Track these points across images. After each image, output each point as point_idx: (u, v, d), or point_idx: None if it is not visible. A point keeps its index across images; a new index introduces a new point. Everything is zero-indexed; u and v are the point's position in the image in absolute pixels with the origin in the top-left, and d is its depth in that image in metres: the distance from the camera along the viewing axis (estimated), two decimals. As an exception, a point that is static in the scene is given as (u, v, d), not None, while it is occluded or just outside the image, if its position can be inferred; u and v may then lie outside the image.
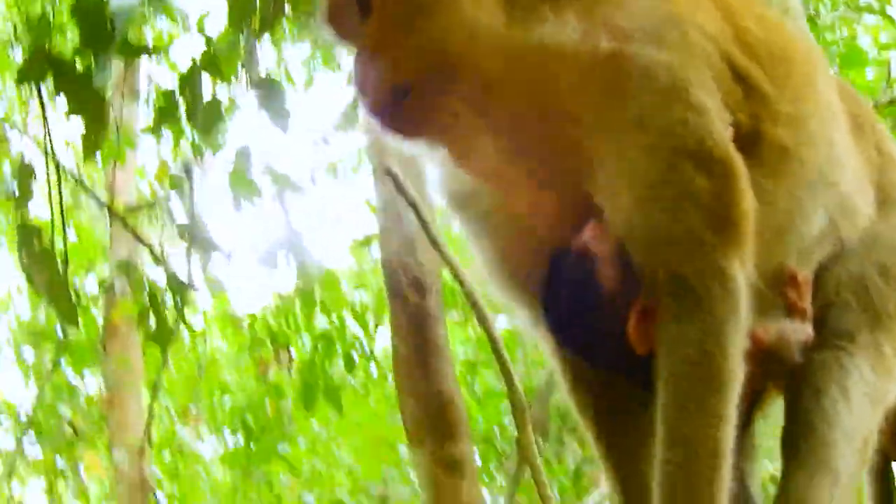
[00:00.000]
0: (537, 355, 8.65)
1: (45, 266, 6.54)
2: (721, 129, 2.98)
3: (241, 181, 8.23)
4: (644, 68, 2.95)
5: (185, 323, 8.66)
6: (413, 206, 6.50)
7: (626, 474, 3.32)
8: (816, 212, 3.31)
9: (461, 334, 12.95)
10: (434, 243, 6.53)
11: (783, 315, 3.31)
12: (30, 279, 6.73)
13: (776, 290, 3.28)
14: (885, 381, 3.39)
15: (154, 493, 10.28)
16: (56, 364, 9.82)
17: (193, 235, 7.86)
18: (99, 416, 12.00)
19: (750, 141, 3.08)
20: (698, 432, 2.89)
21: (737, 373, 2.93)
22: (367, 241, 12.20)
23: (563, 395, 3.59)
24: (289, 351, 11.22)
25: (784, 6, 4.56)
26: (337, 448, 13.39)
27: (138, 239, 8.53)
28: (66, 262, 6.97)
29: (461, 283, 6.28)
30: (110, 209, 8.28)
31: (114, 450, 11.03)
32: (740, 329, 2.94)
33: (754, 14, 3.34)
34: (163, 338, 8.20)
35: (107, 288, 10.48)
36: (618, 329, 3.05)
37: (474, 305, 6.22)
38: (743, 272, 2.96)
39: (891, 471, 4.03)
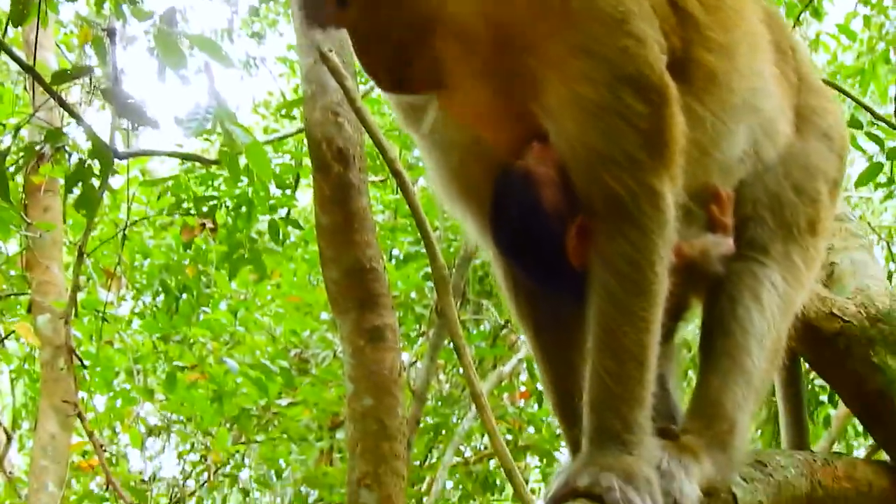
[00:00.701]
0: (456, 222, 8.86)
1: None
2: (658, 57, 3.18)
3: (168, 47, 8.26)
4: (609, 6, 3.15)
5: (109, 190, 8.68)
6: (336, 74, 6.45)
7: (558, 372, 3.58)
8: (740, 134, 3.55)
9: (382, 197, 13.10)
10: (357, 112, 6.58)
11: (707, 229, 3.55)
12: None
13: (701, 206, 3.52)
14: (795, 290, 3.65)
15: (75, 355, 10.33)
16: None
17: (117, 100, 7.75)
18: (20, 279, 12.04)
19: (682, 65, 3.30)
20: (627, 338, 3.10)
21: (663, 284, 3.16)
22: (288, 106, 12.32)
23: (500, 288, 3.85)
24: (213, 218, 11.35)
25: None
26: (258, 313, 13.46)
27: (62, 104, 8.47)
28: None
29: (383, 151, 6.30)
30: (32, 71, 8.15)
31: (37, 317, 11.15)
32: (667, 244, 3.16)
33: None
34: (89, 205, 8.27)
35: (28, 150, 10.48)
36: (557, 245, 3.26)
37: (396, 175, 6.24)
38: (672, 191, 3.18)
39: (800, 368, 4.37)
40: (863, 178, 8.97)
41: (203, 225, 11.56)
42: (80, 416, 10.06)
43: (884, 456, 4.24)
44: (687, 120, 3.25)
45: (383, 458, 6.87)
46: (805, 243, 3.69)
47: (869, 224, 12.34)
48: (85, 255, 9.71)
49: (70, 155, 8.47)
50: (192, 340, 12.88)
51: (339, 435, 12.41)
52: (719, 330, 3.54)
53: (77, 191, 8.11)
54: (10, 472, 13.52)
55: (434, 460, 12.82)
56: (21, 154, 9.14)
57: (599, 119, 3.12)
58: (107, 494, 12.77)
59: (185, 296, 13.33)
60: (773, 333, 3.57)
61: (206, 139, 11.80)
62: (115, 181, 11.05)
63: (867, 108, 8.98)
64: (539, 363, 3.71)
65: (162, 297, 13.63)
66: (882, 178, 9.56)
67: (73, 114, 8.39)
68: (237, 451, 13.52)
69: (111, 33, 8.69)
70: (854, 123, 9.04)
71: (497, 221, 3.42)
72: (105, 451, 12.14)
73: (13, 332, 11.69)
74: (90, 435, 10.02)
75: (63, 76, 7.91)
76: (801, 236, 3.68)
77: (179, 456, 14.04)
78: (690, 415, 3.50)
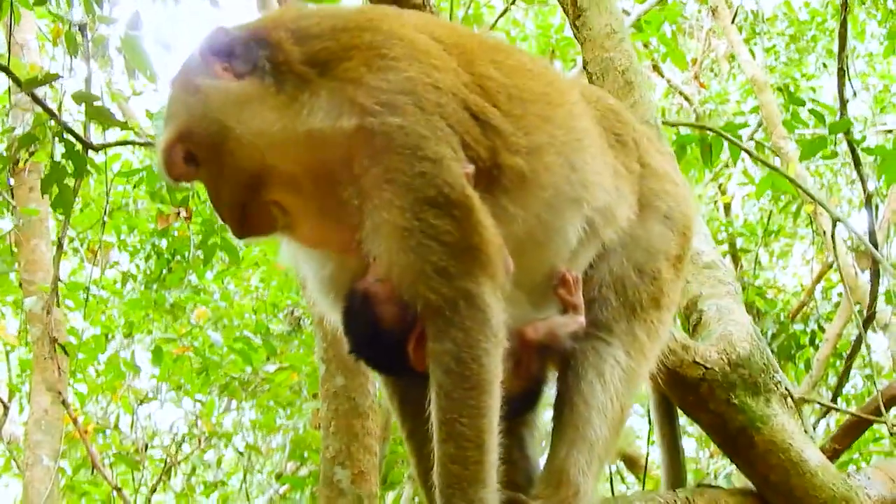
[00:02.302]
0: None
1: None
2: (457, 173, 3.49)
3: (133, 52, 8.68)
4: (384, 134, 3.45)
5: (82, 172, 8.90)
6: None
7: (420, 448, 3.79)
8: (569, 225, 3.82)
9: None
10: None
11: (559, 310, 3.86)
12: None
13: (550, 290, 3.84)
14: (638, 363, 3.95)
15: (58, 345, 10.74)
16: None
17: (87, 103, 8.07)
18: (9, 256, 12.42)
19: (492, 170, 3.60)
20: (463, 426, 3.36)
21: (492, 373, 3.42)
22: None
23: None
24: (187, 206, 11.66)
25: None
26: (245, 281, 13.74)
27: (37, 102, 8.79)
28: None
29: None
30: (8, 70, 8.49)
31: (25, 299, 11.59)
32: (492, 337, 3.43)
33: (497, 63, 3.82)
34: (65, 204, 8.71)
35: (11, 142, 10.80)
36: (401, 351, 3.57)
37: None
38: (493, 290, 3.47)
39: (675, 412, 4.70)
40: (806, 153, 9.27)
41: (178, 213, 11.95)
42: (64, 403, 10.48)
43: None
44: (507, 219, 3.58)
45: (355, 436, 7.26)
46: (649, 318, 3.99)
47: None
48: (65, 245, 10.10)
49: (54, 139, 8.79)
50: (181, 308, 13.21)
51: None
52: (566, 404, 3.85)
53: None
54: (9, 442, 14.00)
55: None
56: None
57: (409, 240, 3.41)
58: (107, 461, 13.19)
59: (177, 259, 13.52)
60: (615, 406, 3.86)
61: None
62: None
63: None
64: (405, 440, 4.04)
65: (153, 261, 13.94)
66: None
67: (48, 111, 8.73)
68: (227, 414, 13.79)
69: (82, 28, 9.09)
70: (796, 101, 9.49)
71: (347, 334, 3.74)
72: (98, 423, 12.70)
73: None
74: (74, 421, 10.42)
75: (34, 81, 8.28)
76: (644, 312, 3.98)
77: (171, 426, 14.40)
78: (542, 482, 3.80)
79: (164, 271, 13.43)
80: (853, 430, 5.23)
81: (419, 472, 3.92)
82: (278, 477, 13.35)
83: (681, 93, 17.61)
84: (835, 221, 7.35)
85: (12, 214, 11.62)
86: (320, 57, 3.62)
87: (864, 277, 13.06)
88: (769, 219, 15.19)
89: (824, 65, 16.68)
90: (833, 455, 4.96)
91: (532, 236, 3.75)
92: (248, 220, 3.62)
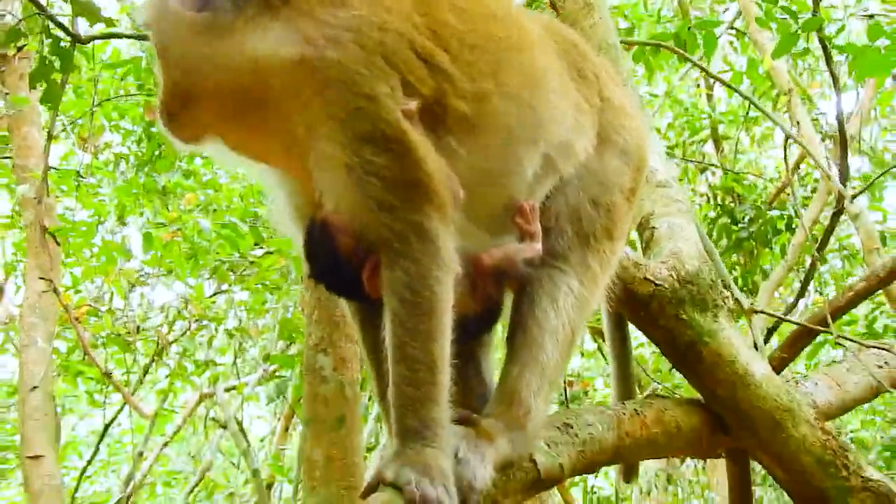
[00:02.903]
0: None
1: None
2: (393, 110, 3.59)
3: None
4: (324, 69, 3.57)
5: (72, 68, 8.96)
6: None
7: (380, 370, 3.90)
8: (525, 161, 3.94)
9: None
10: None
11: (518, 238, 3.98)
12: None
13: (509, 220, 3.97)
14: (590, 291, 4.09)
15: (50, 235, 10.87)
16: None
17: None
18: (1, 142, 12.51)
19: (437, 111, 3.72)
20: (415, 350, 3.52)
21: (444, 301, 3.57)
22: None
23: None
24: None
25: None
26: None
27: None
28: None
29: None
30: None
31: (18, 186, 11.69)
32: (443, 266, 3.57)
33: (457, 9, 3.90)
34: (53, 99, 8.79)
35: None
36: (356, 279, 3.74)
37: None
38: (441, 220, 3.60)
39: (627, 329, 4.87)
40: (779, 50, 9.31)
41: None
42: (55, 291, 10.63)
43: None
44: (455, 155, 3.71)
45: (336, 325, 7.43)
46: (602, 248, 4.13)
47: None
48: (54, 138, 10.20)
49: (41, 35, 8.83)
50: (172, 192, 13.29)
51: None
52: (520, 328, 3.99)
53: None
54: (6, 322, 14.17)
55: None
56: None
57: (351, 175, 3.54)
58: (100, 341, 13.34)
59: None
60: (566, 330, 4.00)
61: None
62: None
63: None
64: (366, 358, 4.19)
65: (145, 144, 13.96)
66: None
67: (39, 6, 8.77)
68: (217, 298, 13.92)
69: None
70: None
71: (307, 260, 3.89)
72: (91, 304, 12.84)
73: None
74: (65, 308, 10.56)
75: (24, -24, 8.33)
76: (598, 243, 4.12)
77: (162, 308, 14.59)
78: (494, 401, 3.94)
79: (156, 153, 13.49)
80: (801, 340, 5.36)
81: (378, 389, 4.08)
82: (266, 358, 13.47)
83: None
84: (787, 138, 7.44)
85: (4, 102, 11.64)
86: None
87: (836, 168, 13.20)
88: (749, 106, 15.17)
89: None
90: (781, 363, 5.10)
91: (485, 172, 3.87)
92: (180, 125, 3.78)
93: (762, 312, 5.22)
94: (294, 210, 3.98)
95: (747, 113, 15.88)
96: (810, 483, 4.70)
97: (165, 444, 16.57)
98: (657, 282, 4.67)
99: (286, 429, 16.79)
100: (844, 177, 8.28)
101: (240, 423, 14.92)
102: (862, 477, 4.72)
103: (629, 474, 4.88)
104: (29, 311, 11.60)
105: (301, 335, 12.32)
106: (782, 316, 5.63)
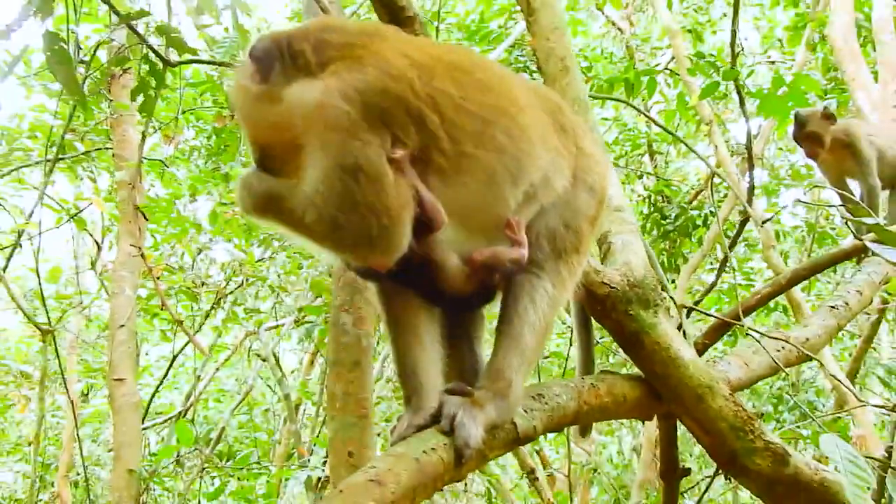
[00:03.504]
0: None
1: (62, 65, 6.84)
2: (376, 154, 3.60)
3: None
4: (333, 115, 3.59)
5: (163, 86, 9.02)
6: (324, 11, 6.55)
7: (403, 351, 4.06)
8: (508, 195, 3.97)
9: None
10: None
11: (509, 244, 4.01)
12: (54, 74, 7.01)
13: (495, 230, 4.01)
14: (560, 292, 4.12)
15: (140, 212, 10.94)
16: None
17: (167, 35, 8.11)
18: (106, 136, 12.56)
19: (423, 159, 3.74)
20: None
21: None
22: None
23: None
24: None
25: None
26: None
27: (131, 29, 8.80)
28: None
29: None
30: (112, 7, 8.51)
31: (116, 172, 11.77)
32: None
33: (457, 80, 3.91)
34: (149, 109, 8.80)
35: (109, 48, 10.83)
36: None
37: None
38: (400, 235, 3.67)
39: (590, 320, 4.88)
40: (704, 94, 9.40)
41: (232, 116, 12.03)
42: (142, 254, 10.66)
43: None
44: (439, 192, 3.76)
45: (357, 290, 7.49)
46: (570, 260, 4.17)
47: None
48: (147, 136, 10.25)
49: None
50: (233, 177, 13.30)
51: None
52: (506, 319, 4.03)
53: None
54: (101, 273, 14.22)
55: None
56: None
57: (326, 190, 3.59)
58: (173, 292, 13.42)
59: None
60: (542, 323, 4.04)
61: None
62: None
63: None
64: (391, 345, 4.15)
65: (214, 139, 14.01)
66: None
67: (139, 35, 8.77)
68: (263, 261, 13.95)
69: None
70: (699, 55, 9.58)
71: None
72: (167, 264, 12.87)
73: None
74: (149, 268, 10.60)
75: (129, 16, 8.31)
76: (567, 256, 4.16)
77: (222, 267, 14.62)
78: (484, 376, 3.99)
79: (222, 147, 13.55)
80: (719, 330, 5.40)
81: (400, 367, 4.12)
82: (300, 309, 13.52)
83: (614, 24, 17.54)
84: (712, 171, 7.45)
85: (109, 106, 11.73)
86: (324, 60, 3.77)
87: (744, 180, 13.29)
88: (676, 128, 15.26)
89: (724, 14, 16.61)
90: (703, 348, 5.13)
91: (470, 202, 3.92)
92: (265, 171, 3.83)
93: (692, 308, 5.24)
94: None
95: (674, 133, 15.97)
96: (724, 443, 4.73)
97: (217, 370, 16.68)
98: (612, 285, 4.66)
99: (311, 362, 16.85)
100: (751, 193, 8.29)
101: (276, 357, 14.99)
102: (764, 440, 4.75)
103: (584, 431, 4.93)
104: (120, 267, 11.74)
105: (326, 291, 12.41)
106: (705, 311, 5.63)
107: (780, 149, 17.37)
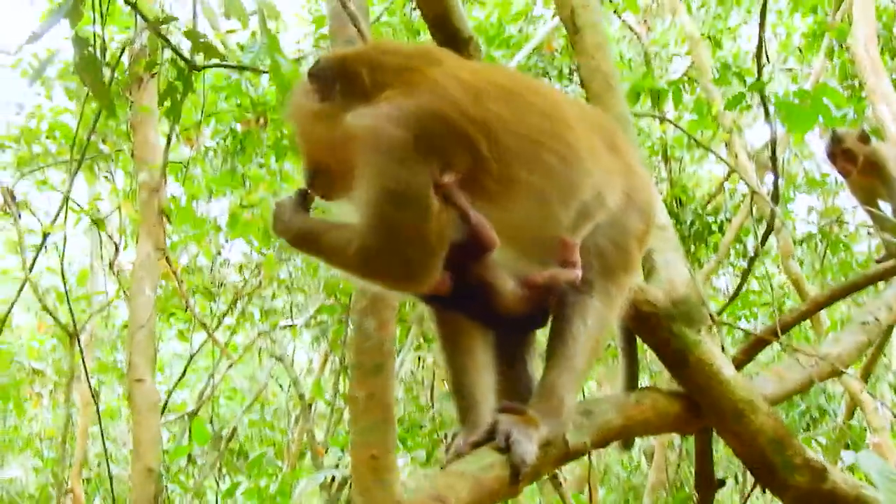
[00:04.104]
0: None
1: (91, 69, 6.90)
2: (423, 182, 3.68)
3: (231, 4, 8.79)
4: (385, 140, 3.67)
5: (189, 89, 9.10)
6: (353, 18, 6.79)
7: (457, 369, 4.19)
8: (561, 211, 4.04)
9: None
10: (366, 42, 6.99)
11: (561, 263, 4.07)
12: (82, 80, 7.13)
13: (549, 251, 4.06)
14: (610, 311, 4.20)
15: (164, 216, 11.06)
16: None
17: (194, 40, 8.21)
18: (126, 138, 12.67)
19: (473, 183, 3.80)
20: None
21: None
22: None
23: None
24: (264, 115, 11.85)
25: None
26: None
27: (158, 34, 8.93)
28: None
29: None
30: (135, 7, 8.60)
31: (140, 173, 11.88)
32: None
33: (509, 103, 3.97)
34: (175, 114, 8.89)
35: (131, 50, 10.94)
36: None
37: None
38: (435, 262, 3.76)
39: (635, 337, 4.94)
40: (730, 105, 9.49)
41: (257, 119, 12.14)
42: (167, 258, 10.76)
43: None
44: (489, 215, 3.83)
45: (379, 296, 7.59)
46: (619, 280, 4.24)
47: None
48: (173, 138, 10.34)
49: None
50: (250, 178, 13.44)
51: None
52: (558, 339, 4.10)
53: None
54: (118, 273, 14.29)
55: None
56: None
57: (373, 215, 3.69)
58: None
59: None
60: (592, 341, 4.12)
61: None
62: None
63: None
64: (446, 366, 4.27)
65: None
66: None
67: (166, 41, 8.87)
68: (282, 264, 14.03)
69: (190, -25, 9.11)
70: (725, 67, 9.67)
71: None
72: (186, 265, 12.96)
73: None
74: (173, 270, 10.68)
75: (157, 21, 8.42)
76: (616, 275, 4.23)
77: (239, 269, 14.69)
78: (536, 394, 4.06)
79: (239, 149, 13.64)
80: (756, 347, 5.48)
81: (454, 386, 4.25)
82: (319, 310, 13.62)
83: (631, 29, 17.57)
84: (729, 174, 7.55)
85: (130, 109, 11.80)
86: (380, 84, 3.87)
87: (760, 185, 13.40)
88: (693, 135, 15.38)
89: (744, 20, 16.67)
90: (739, 364, 5.21)
91: (521, 224, 3.99)
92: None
93: (729, 325, 5.32)
94: None
95: (690, 141, 16.07)
96: (764, 459, 4.81)
97: (230, 367, 16.72)
98: (655, 303, 4.72)
99: (324, 362, 16.95)
100: (776, 199, 8.37)
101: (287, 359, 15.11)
102: (803, 456, 4.83)
103: (626, 444, 5.02)
104: (139, 268, 11.85)
105: (340, 293, 12.52)
106: (743, 328, 5.73)
107: (796, 155, 17.45)
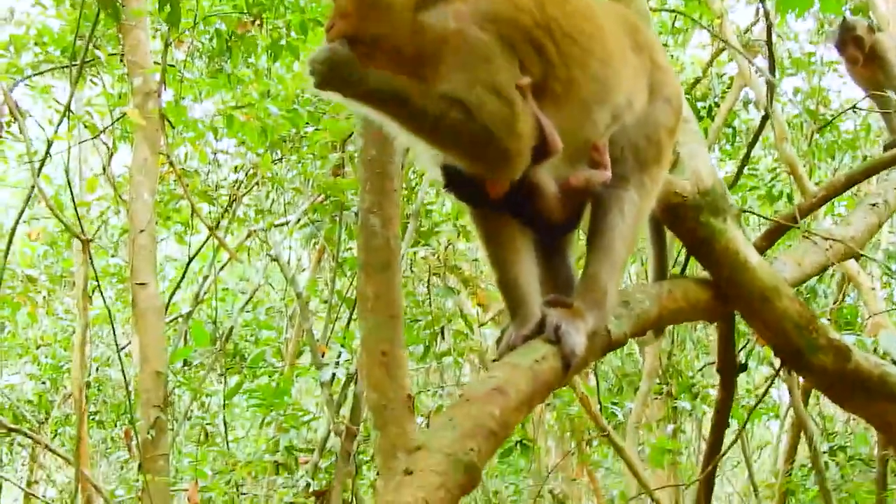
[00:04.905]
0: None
1: None
2: (510, 80, 3.87)
3: None
4: (470, 40, 3.85)
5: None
6: None
7: (503, 265, 4.31)
8: (598, 117, 4.25)
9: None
10: None
11: (591, 166, 4.29)
12: None
13: (585, 153, 4.28)
14: (645, 202, 4.42)
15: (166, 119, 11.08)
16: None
17: None
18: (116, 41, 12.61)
19: (542, 86, 4.00)
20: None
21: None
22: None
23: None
24: (260, 16, 11.82)
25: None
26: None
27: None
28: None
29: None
30: None
31: (133, 78, 11.85)
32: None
33: (562, 7, 4.14)
34: (174, 19, 8.89)
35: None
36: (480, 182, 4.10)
37: None
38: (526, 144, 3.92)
39: (663, 227, 5.11)
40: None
41: (253, 21, 12.10)
42: (171, 162, 10.82)
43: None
44: (552, 112, 3.99)
45: (384, 193, 7.70)
46: (652, 171, 4.45)
47: None
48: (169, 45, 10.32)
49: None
50: (240, 80, 13.42)
51: (350, 148, 12.93)
52: (596, 231, 4.32)
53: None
54: (114, 179, 14.34)
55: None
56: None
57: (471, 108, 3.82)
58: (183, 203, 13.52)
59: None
60: (630, 232, 4.34)
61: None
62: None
63: None
64: (489, 261, 4.41)
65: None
66: None
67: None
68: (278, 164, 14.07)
69: None
70: None
71: (442, 173, 4.18)
72: (183, 168, 13.01)
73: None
74: (179, 177, 10.73)
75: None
76: (649, 167, 4.44)
77: (235, 169, 14.74)
78: (580, 286, 4.27)
79: (226, 50, 13.56)
80: (775, 233, 5.65)
81: (502, 283, 4.37)
82: (313, 211, 13.67)
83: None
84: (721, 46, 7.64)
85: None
86: None
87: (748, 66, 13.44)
88: (675, 18, 15.39)
89: None
90: (760, 250, 5.38)
91: (569, 127, 4.13)
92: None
93: (750, 212, 5.47)
94: None
95: (674, 23, 16.10)
96: (789, 341, 5.02)
97: (222, 268, 16.88)
98: (683, 194, 4.90)
99: (318, 261, 17.07)
100: (773, 69, 8.47)
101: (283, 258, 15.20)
102: (827, 337, 5.05)
103: (659, 333, 5.20)
104: (136, 172, 11.91)
105: (336, 192, 12.58)
106: (763, 215, 5.88)
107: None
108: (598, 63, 4.20)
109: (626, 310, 4.50)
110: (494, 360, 4.00)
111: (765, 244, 5.55)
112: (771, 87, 8.56)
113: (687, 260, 5.50)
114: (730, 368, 5.65)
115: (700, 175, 5.03)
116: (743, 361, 5.75)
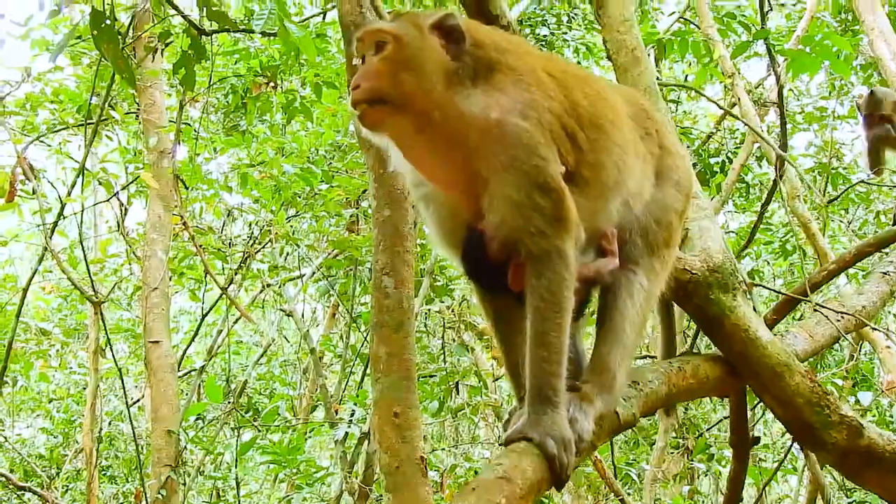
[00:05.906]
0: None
1: (110, 42, 7.09)
2: (556, 171, 3.93)
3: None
4: (515, 132, 3.90)
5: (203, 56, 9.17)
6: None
7: (509, 349, 4.35)
8: (613, 203, 4.29)
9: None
10: (375, 8, 7.10)
11: (600, 255, 4.34)
12: (100, 50, 7.26)
13: (596, 241, 4.32)
14: (655, 285, 4.44)
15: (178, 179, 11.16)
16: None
17: (208, 8, 8.25)
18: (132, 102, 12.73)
19: (572, 175, 4.04)
20: (551, 337, 3.85)
21: (570, 301, 3.91)
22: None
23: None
24: (274, 78, 11.91)
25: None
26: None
27: (171, 5, 9.05)
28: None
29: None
30: None
31: (150, 139, 11.96)
32: (571, 277, 3.91)
33: (585, 93, 4.20)
34: (189, 81, 9.01)
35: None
36: (502, 275, 4.08)
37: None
38: (572, 246, 3.94)
39: (672, 305, 5.13)
40: (736, 52, 9.68)
41: (267, 83, 12.19)
42: (184, 223, 10.85)
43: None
44: (577, 204, 3.99)
45: (397, 253, 7.68)
46: (662, 254, 4.48)
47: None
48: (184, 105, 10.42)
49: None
50: (254, 137, 13.47)
51: (364, 204, 13.01)
52: (607, 316, 4.34)
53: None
54: (129, 234, 14.39)
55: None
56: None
57: (520, 210, 3.88)
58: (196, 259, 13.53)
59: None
60: (639, 316, 4.36)
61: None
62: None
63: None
64: (498, 344, 4.49)
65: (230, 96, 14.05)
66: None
67: (179, 12, 9.01)
68: (290, 221, 14.10)
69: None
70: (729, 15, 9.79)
71: (465, 260, 4.20)
72: (196, 226, 13.06)
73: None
74: (192, 237, 10.76)
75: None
76: (659, 250, 4.47)
77: (249, 225, 14.79)
78: (589, 370, 4.27)
79: (241, 105, 13.63)
80: (786, 306, 5.65)
81: (506, 361, 4.41)
82: (327, 267, 13.70)
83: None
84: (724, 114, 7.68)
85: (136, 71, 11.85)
86: (483, 62, 4.03)
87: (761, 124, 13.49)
88: (686, 77, 15.48)
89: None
90: (771, 324, 5.37)
91: (592, 212, 4.18)
92: (375, 113, 3.97)
93: (761, 286, 5.48)
94: (446, 226, 4.27)
95: (685, 78, 16.15)
96: (801, 418, 5.01)
97: (236, 322, 16.86)
98: (692, 271, 4.92)
99: (333, 315, 17.09)
100: (784, 145, 8.53)
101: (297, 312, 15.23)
102: (839, 414, 5.03)
103: (669, 411, 5.20)
104: (151, 230, 11.97)
105: (351, 248, 12.60)
106: (774, 289, 5.90)
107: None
108: (618, 150, 4.27)
109: (636, 390, 4.51)
110: (501, 444, 3.98)
111: (775, 318, 5.55)
112: (781, 161, 8.61)
113: (696, 335, 5.50)
114: (743, 442, 5.63)
115: (710, 252, 5.06)
116: (756, 435, 5.71)
